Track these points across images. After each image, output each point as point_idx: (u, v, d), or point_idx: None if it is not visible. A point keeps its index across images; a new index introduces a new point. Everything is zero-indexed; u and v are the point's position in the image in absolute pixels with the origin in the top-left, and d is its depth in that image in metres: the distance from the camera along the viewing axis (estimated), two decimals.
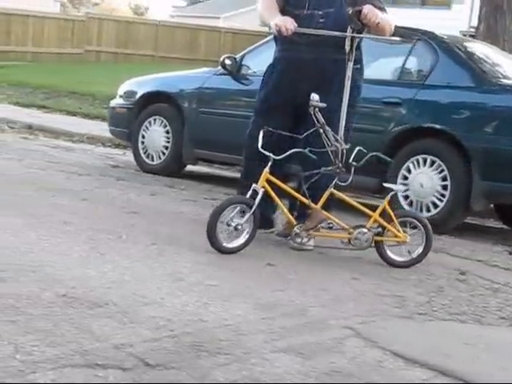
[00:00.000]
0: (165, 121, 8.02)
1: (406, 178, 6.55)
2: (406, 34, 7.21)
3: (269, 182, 4.68)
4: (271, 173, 4.69)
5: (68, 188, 6.38)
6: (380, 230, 4.78)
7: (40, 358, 2.71)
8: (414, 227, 4.86)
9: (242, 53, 7.62)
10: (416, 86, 6.82)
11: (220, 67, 7.56)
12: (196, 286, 3.87)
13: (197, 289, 3.81)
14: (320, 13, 4.96)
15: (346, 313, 3.74)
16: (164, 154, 8.00)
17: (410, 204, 6.50)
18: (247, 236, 4.61)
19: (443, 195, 6.35)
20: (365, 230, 4.72)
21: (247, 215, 4.56)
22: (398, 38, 5.67)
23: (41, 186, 6.25)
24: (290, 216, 4.81)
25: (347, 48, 4.81)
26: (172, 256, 4.39)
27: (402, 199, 6.52)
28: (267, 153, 4.67)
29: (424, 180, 6.46)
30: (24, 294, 3.37)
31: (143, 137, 8.17)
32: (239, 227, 4.54)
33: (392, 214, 4.76)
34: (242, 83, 7.42)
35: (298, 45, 4.98)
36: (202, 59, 22.77)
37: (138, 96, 8.33)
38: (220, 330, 3.24)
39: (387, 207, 4.78)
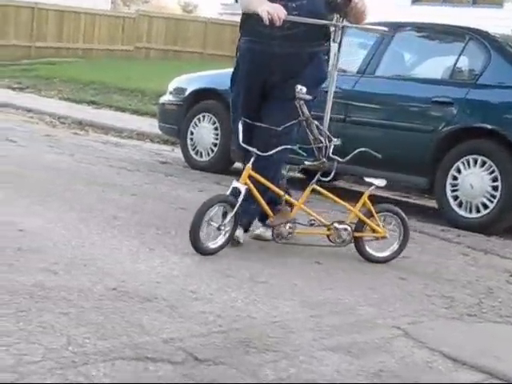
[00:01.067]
0: (214, 118, 8.05)
1: (455, 178, 6.49)
2: (458, 33, 7.17)
3: (251, 178, 4.42)
4: (254, 168, 4.43)
5: (118, 183, 6.45)
6: (359, 225, 4.64)
7: (92, 350, 2.75)
8: (390, 222, 4.77)
9: None
10: (467, 86, 6.76)
11: None
12: (245, 282, 3.88)
13: (245, 285, 3.83)
14: (293, 5, 4.63)
15: (394, 312, 3.73)
16: (213, 150, 8.04)
17: (460, 205, 6.44)
18: (226, 236, 4.34)
19: (493, 196, 6.28)
20: (345, 226, 4.59)
21: (229, 215, 4.30)
22: (384, 28, 5.80)
23: (91, 181, 6.33)
24: (270, 211, 4.52)
25: (337, 38, 4.66)
26: (220, 252, 4.40)
27: (451, 200, 6.47)
28: (251, 148, 4.45)
29: (474, 181, 6.40)
30: (75, 287, 3.42)
31: (192, 133, 8.22)
32: (222, 228, 4.29)
33: (372, 208, 4.63)
34: None
35: (271, 38, 4.64)
36: None
37: (187, 93, 8.38)
38: (268, 326, 3.26)
39: (367, 202, 4.64)
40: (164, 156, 9.15)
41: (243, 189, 4.32)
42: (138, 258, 4.05)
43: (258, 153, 4.41)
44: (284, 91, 4.65)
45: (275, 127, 4.47)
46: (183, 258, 4.19)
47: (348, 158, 4.60)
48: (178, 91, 8.57)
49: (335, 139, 4.56)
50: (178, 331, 3.06)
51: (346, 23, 4.67)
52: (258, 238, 4.86)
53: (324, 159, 4.55)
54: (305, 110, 4.42)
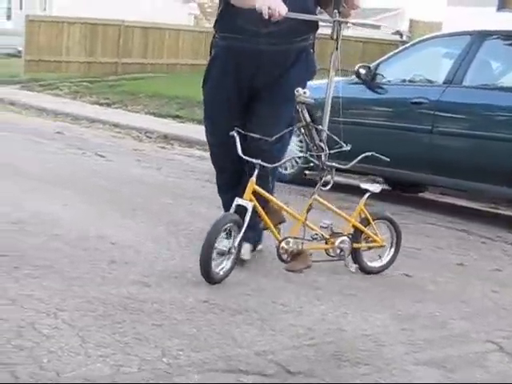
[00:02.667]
0: (297, 130, 8.04)
1: None
2: None
3: (255, 194, 3.95)
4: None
5: (204, 196, 6.51)
6: (356, 235, 4.31)
7: (186, 362, 2.79)
8: (385, 230, 4.51)
9: (377, 62, 7.58)
10: None
11: (354, 76, 7.57)
12: (334, 295, 3.87)
13: (335, 298, 3.81)
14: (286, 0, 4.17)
15: (488, 326, 3.66)
16: (297, 162, 8.04)
17: None
18: (232, 258, 3.89)
19: None
20: (346, 238, 4.22)
21: (238, 238, 3.87)
22: (382, 24, 5.41)
23: (178, 194, 6.42)
24: (277, 234, 4.07)
25: (334, 34, 4.18)
26: None
27: None
28: (255, 160, 3.96)
29: None
30: (168, 300, 3.47)
31: None
32: (232, 251, 3.85)
33: (369, 217, 4.35)
34: (377, 92, 7.40)
35: (256, 35, 4.19)
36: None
37: None
38: (360, 340, 3.24)
39: (364, 210, 4.37)
40: None
41: (249, 206, 3.87)
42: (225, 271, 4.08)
43: (265, 164, 3.99)
44: (273, 93, 4.31)
45: (267, 137, 4.06)
46: (272, 270, 4.21)
47: (352, 163, 4.32)
48: None
49: (345, 145, 4.22)
50: (269, 344, 3.07)
51: (341, 18, 4.18)
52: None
53: (324, 167, 4.15)
54: (306, 115, 4.00)
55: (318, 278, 4.16)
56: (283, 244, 3.99)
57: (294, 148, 8.02)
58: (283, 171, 8.16)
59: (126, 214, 5.28)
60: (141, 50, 21.56)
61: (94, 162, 7.89)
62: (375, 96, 7.45)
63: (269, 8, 3.95)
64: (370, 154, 4.36)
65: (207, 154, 10.13)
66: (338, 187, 8.08)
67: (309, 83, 8.60)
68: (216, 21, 4.38)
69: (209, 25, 41.95)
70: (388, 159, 4.56)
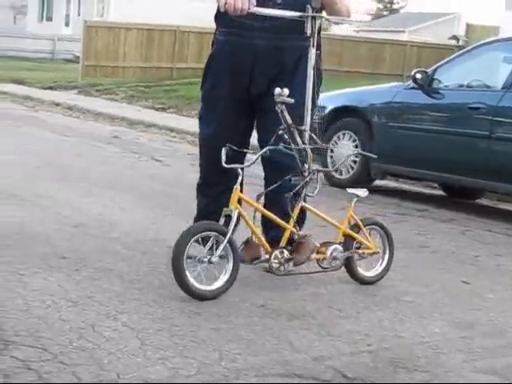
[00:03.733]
0: (354, 135, 8.03)
1: None
2: None
3: (240, 202, 3.76)
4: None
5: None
6: (348, 243, 4.05)
7: (243, 366, 2.80)
8: (375, 236, 4.25)
9: (434, 66, 7.53)
10: None
11: (410, 81, 7.53)
12: (391, 301, 3.85)
13: (392, 304, 3.79)
14: None
15: None
16: (352, 168, 8.01)
17: None
18: (229, 272, 3.63)
19: None
20: (338, 247, 3.96)
21: (221, 245, 3.58)
22: (362, 19, 5.03)
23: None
24: (266, 243, 3.84)
25: (308, 31, 3.92)
26: None
27: None
28: (235, 165, 3.74)
29: None
30: (225, 304, 3.50)
31: (332, 151, 8.22)
32: (214, 260, 3.56)
33: (360, 222, 4.10)
34: (434, 97, 7.34)
35: (252, 29, 4.03)
36: (386, 73, 22.60)
37: (327, 111, 8.39)
38: (418, 347, 3.21)
39: (353, 216, 4.11)
40: None
41: (233, 213, 3.68)
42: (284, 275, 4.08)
43: (241, 166, 3.76)
44: (268, 96, 3.95)
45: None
46: (329, 276, 4.19)
47: (338, 165, 4.06)
48: (318, 109, 8.58)
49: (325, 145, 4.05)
50: (326, 349, 3.07)
51: (314, 13, 3.90)
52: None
53: (309, 171, 3.90)
54: (286, 116, 3.76)
55: (373, 284, 4.14)
56: (277, 253, 3.78)
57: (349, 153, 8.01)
58: (338, 176, 8.16)
59: (183, 218, 5.30)
60: (196, 54, 21.69)
61: (150, 167, 7.98)
62: (432, 101, 7.39)
63: (226, 3, 3.83)
64: (356, 152, 4.20)
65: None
66: (392, 193, 8.07)
67: (364, 88, 8.60)
68: (215, 16, 4.20)
69: None
70: (375, 156, 4.37)
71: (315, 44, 3.99)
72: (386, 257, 4.22)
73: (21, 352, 2.70)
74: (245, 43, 4.08)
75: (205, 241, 3.61)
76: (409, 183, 9.13)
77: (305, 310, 3.54)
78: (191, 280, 3.49)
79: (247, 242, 3.86)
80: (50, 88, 19.30)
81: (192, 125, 13.36)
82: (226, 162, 3.71)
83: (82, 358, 2.71)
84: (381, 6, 53.86)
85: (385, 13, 52.23)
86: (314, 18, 3.91)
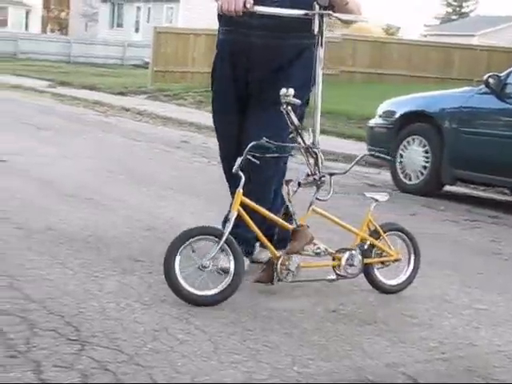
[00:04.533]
0: (424, 140, 7.96)
1: None
2: None
3: (243, 205, 3.63)
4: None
5: (328, 206, 6.49)
6: (367, 249, 3.87)
7: (316, 371, 2.79)
8: (398, 243, 4.04)
9: (507, 71, 7.40)
10: None
11: (483, 86, 7.42)
12: (464, 309, 3.80)
13: (465, 312, 3.74)
14: None
15: None
16: (422, 173, 7.93)
17: None
18: (231, 277, 3.48)
19: None
20: (355, 253, 3.78)
21: (215, 248, 3.46)
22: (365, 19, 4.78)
23: (296, 204, 6.42)
24: (273, 248, 3.69)
25: (316, 29, 3.73)
26: (437, 277, 4.34)
27: None
28: (238, 170, 3.62)
29: None
30: (297, 308, 3.50)
31: (401, 156, 8.16)
32: (207, 264, 3.44)
33: (379, 228, 3.92)
34: (507, 102, 7.22)
35: (249, 27, 3.91)
36: (456, 78, 22.31)
37: (397, 115, 8.35)
38: (493, 355, 3.16)
39: (372, 222, 3.95)
40: (371, 179, 9.15)
41: (231, 215, 3.57)
42: (354, 280, 4.06)
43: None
44: (266, 95, 3.91)
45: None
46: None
47: (349, 168, 3.91)
48: (388, 114, 8.56)
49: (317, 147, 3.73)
50: (399, 356, 3.04)
51: (322, 11, 3.74)
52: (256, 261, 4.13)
53: (320, 174, 3.75)
54: (293, 117, 3.63)
55: (448, 290, 4.10)
56: (284, 260, 3.60)
57: (419, 160, 7.94)
58: (407, 181, 8.09)
59: None
60: None
61: (219, 172, 8.01)
62: (505, 106, 7.27)
63: (223, 4, 3.75)
64: (368, 154, 4.01)
65: (330, 164, 10.20)
66: (463, 199, 7.96)
67: (434, 93, 8.50)
68: (217, 16, 4.07)
69: (331, 34, 42.05)
70: (390, 158, 4.13)
71: (322, 42, 3.78)
72: (411, 265, 4.01)
73: (97, 353, 2.75)
74: (241, 41, 3.99)
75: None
76: (480, 189, 9.00)
77: (376, 316, 3.51)
78: (183, 283, 3.41)
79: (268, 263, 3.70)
80: (121, 93, 19.62)
81: None
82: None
83: (156, 360, 2.74)
84: (450, 9, 53.25)
85: (454, 17, 51.61)
86: (321, 15, 3.74)
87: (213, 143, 11.29)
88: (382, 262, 3.91)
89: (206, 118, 14.70)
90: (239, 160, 3.59)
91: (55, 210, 5.15)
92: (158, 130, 12.67)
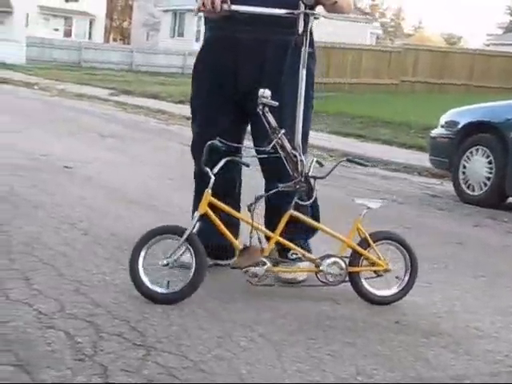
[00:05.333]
0: (487, 151, 7.85)
1: None
2: None
3: (212, 206, 3.61)
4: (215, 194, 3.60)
5: (389, 216, 6.46)
6: (354, 257, 3.74)
7: (380, 382, 2.77)
8: (392, 253, 3.85)
9: None
10: None
11: None
12: None
13: None
14: None
15: None
16: (486, 184, 7.82)
17: None
18: (191, 276, 3.47)
19: None
20: (336, 260, 3.67)
21: (180, 248, 3.48)
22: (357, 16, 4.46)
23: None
24: (237, 244, 3.69)
25: (300, 29, 3.63)
26: (503, 289, 4.27)
27: None
28: (207, 168, 3.57)
29: None
30: (359, 318, 3.48)
31: (464, 167, 8.07)
32: (170, 262, 3.47)
33: (368, 236, 3.76)
34: None
35: (235, 23, 3.78)
36: None
37: (459, 126, 8.26)
38: None
39: (361, 229, 3.77)
40: (433, 189, 9.06)
41: (195, 215, 3.56)
42: (416, 291, 4.02)
43: (210, 171, 3.56)
44: (255, 94, 3.66)
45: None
46: (464, 293, 4.12)
47: (329, 172, 3.72)
48: (451, 124, 8.47)
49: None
50: (465, 368, 3.00)
51: (306, 10, 3.62)
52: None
53: (300, 178, 3.62)
54: (270, 118, 3.55)
55: (510, 303, 4.03)
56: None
57: (482, 171, 7.84)
58: (470, 192, 7.99)
59: None
60: (323, 69, 21.81)
61: None
62: None
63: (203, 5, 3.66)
64: (346, 159, 3.88)
65: (390, 174, 10.18)
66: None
67: (498, 103, 8.38)
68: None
69: (391, 44, 41.89)
70: (368, 164, 4.02)
71: (307, 42, 3.70)
72: (407, 277, 3.81)
73: (162, 358, 2.77)
74: (227, 37, 3.86)
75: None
76: None
77: (440, 328, 3.48)
78: (146, 281, 3.45)
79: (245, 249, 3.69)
80: (181, 102, 19.80)
81: (320, 139, 13.44)
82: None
83: (220, 367, 2.76)
84: None
85: None
86: (306, 14, 3.63)
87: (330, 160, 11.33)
88: (373, 271, 3.76)
89: None
90: (202, 159, 3.57)
91: (120, 216, 5.22)
92: None
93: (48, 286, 3.50)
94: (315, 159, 3.73)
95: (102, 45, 43.37)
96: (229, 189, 4.07)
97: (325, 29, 29.14)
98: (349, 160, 3.84)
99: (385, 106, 18.33)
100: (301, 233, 3.95)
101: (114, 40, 50.17)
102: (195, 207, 3.90)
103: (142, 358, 2.76)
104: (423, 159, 9.18)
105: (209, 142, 3.58)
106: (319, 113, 16.89)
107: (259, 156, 3.73)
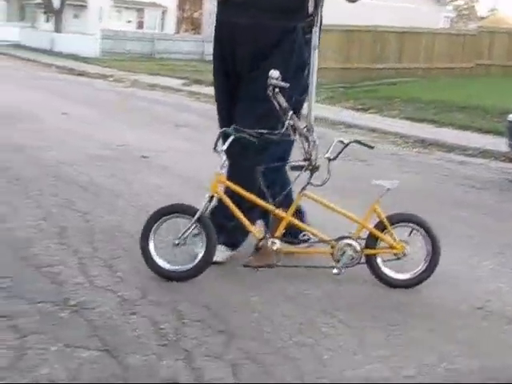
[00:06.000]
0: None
1: None
2: None
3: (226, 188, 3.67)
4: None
5: (467, 201, 6.37)
6: (371, 240, 3.69)
7: (464, 369, 2.75)
8: (413, 235, 3.73)
9: None
10: None
11: None
12: None
13: None
14: None
15: None
16: None
17: None
18: (201, 255, 3.54)
19: None
20: (351, 242, 3.63)
21: (190, 227, 3.55)
22: None
23: (441, 200, 6.32)
24: (253, 229, 3.69)
25: (310, 9, 3.59)
26: None
27: None
28: (219, 150, 3.61)
29: None
30: (439, 305, 3.44)
31: None
32: (180, 242, 3.55)
33: (384, 219, 3.68)
34: None
35: (234, 6, 3.77)
36: None
37: None
38: None
39: (378, 211, 3.68)
40: None
41: (206, 196, 3.62)
42: (500, 277, 3.96)
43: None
44: (252, 83, 3.71)
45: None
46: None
47: (339, 153, 3.65)
48: None
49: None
50: None
51: None
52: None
53: (312, 157, 3.58)
54: (280, 99, 3.50)
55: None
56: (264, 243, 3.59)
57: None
58: None
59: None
60: (396, 54, 21.55)
61: (355, 167, 7.99)
62: None
63: None
64: (353, 140, 3.75)
65: (467, 159, 10.01)
66: None
67: None
68: None
69: (464, 27, 41.08)
70: (372, 146, 3.89)
71: (318, 22, 3.63)
72: (427, 260, 3.71)
73: (245, 344, 2.80)
74: (227, 21, 3.86)
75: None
76: None
77: None
78: (157, 259, 3.55)
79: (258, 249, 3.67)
80: None
81: (393, 125, 13.32)
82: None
83: (302, 353, 2.77)
84: None
85: None
86: None
87: (348, 139, 11.29)
88: (394, 254, 3.68)
89: (338, 113, 14.72)
90: (216, 141, 3.57)
91: (196, 204, 5.25)
92: None
93: (130, 273, 3.57)
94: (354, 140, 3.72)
95: (174, 35, 43.68)
96: None
97: (396, 14, 28.82)
98: (357, 142, 3.75)
99: (459, 90, 18.00)
100: (299, 213, 3.95)
101: (186, 30, 50.51)
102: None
103: (224, 344, 2.79)
104: (500, 144, 8.99)
105: (222, 130, 3.63)
106: (392, 99, 16.75)
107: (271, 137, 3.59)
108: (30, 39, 39.86)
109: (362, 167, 8.04)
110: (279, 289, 3.49)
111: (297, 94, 3.75)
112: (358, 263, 3.64)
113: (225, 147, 3.56)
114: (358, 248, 3.64)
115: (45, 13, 44.89)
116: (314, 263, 3.76)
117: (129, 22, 46.77)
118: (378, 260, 3.71)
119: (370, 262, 3.70)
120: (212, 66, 4.10)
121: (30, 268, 3.55)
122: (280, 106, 3.52)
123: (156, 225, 3.60)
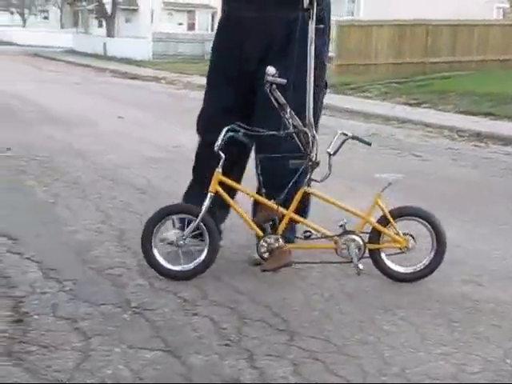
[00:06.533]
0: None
1: None
2: None
3: (222, 184, 3.59)
4: (225, 173, 3.59)
5: None
6: (374, 234, 3.64)
7: None
8: (418, 229, 3.68)
9: None
10: None
11: None
12: None
13: None
14: None
15: None
16: None
17: None
18: (205, 254, 3.55)
19: None
20: (354, 237, 3.57)
21: (191, 226, 3.54)
22: None
23: (499, 193, 6.23)
24: (256, 227, 3.59)
25: (305, 3, 3.47)
26: None
27: None
28: (218, 150, 3.49)
29: None
30: (504, 300, 3.40)
31: None
32: (181, 242, 3.56)
33: (387, 213, 3.62)
34: None
35: (240, 1, 3.77)
36: None
37: None
38: None
39: (381, 205, 3.61)
40: None
41: (209, 196, 3.53)
42: None
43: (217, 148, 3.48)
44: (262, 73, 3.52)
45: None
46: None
47: (337, 148, 3.54)
48: None
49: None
50: None
51: None
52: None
53: (312, 154, 3.52)
54: (278, 96, 3.43)
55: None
56: (266, 240, 3.54)
57: None
58: None
59: (449, 213, 5.23)
60: (448, 48, 21.29)
61: (411, 163, 7.93)
62: None
63: None
64: (351, 136, 3.59)
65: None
66: None
67: None
68: None
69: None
70: (370, 142, 3.78)
71: (314, 15, 3.51)
72: (432, 253, 3.64)
73: (306, 343, 2.80)
74: (233, 15, 3.84)
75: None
76: None
77: None
78: (159, 259, 3.56)
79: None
80: None
81: (448, 119, 13.17)
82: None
83: (364, 351, 2.76)
84: None
85: None
86: None
87: (401, 135, 11.20)
88: (398, 248, 3.63)
89: (392, 109, 14.61)
90: (219, 140, 3.47)
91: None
92: (343, 123, 12.68)
93: None
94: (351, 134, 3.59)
95: None
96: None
97: (448, 7, 28.48)
98: (354, 137, 3.64)
99: (505, 81, 17.70)
100: (304, 210, 3.90)
101: None
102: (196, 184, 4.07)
103: (286, 343, 2.80)
104: None
105: (226, 128, 3.50)
106: (447, 92, 16.57)
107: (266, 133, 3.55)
108: (83, 45, 40.44)
109: (419, 163, 7.97)
110: (339, 286, 3.49)
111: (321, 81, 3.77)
112: (362, 258, 3.59)
113: (218, 143, 3.47)
114: (361, 243, 3.60)
115: (97, 18, 45.49)
116: (331, 259, 3.69)
117: (180, 24, 47.09)
118: (382, 254, 3.68)
119: (374, 256, 3.68)
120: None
121: (92, 271, 3.61)
122: (277, 101, 3.47)
123: (159, 225, 3.59)
